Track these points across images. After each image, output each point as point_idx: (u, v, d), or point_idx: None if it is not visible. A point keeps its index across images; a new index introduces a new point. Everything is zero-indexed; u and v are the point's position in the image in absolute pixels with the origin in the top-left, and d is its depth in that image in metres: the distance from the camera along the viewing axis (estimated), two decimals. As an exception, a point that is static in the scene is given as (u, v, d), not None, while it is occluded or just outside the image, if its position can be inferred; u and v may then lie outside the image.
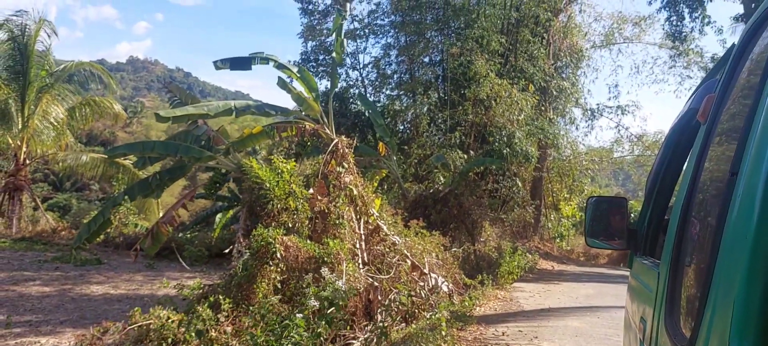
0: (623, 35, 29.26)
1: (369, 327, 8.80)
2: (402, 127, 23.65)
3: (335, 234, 8.76)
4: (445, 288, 10.09)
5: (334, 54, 12.44)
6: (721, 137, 1.83)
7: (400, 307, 9.16)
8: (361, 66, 25.89)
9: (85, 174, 24.66)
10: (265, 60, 10.96)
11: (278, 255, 7.73)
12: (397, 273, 9.39)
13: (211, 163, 11.22)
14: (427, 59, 23.50)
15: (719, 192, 1.54)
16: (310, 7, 25.40)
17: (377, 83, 25.12)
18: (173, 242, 18.00)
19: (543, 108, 23.37)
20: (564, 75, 25.05)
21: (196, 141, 11.20)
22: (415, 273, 10.04)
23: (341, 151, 9.59)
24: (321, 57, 24.64)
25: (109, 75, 25.10)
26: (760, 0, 1.65)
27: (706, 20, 20.61)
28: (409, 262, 9.93)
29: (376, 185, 11.43)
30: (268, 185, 8.50)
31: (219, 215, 21.15)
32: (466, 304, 9.39)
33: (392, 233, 10.15)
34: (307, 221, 8.81)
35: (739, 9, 20.19)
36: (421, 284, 9.93)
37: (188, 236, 20.25)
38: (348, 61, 25.31)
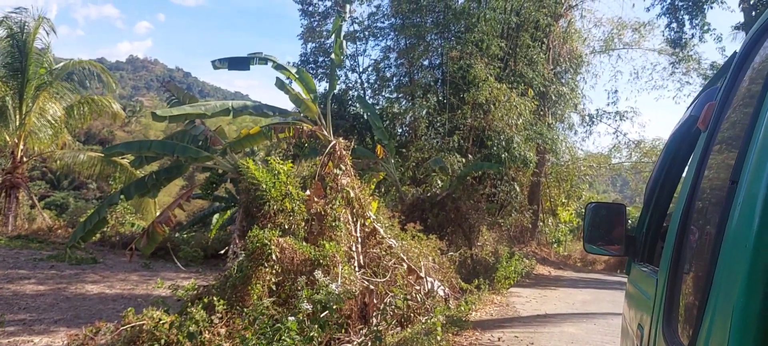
0: (623, 41, 29.32)
1: (364, 331, 8.76)
2: (400, 130, 23.62)
3: (331, 236, 8.72)
4: (441, 292, 10.05)
5: (333, 56, 12.40)
6: (722, 145, 1.82)
7: (395, 311, 9.12)
8: (361, 69, 25.91)
9: (82, 173, 24.55)
10: (264, 60, 10.92)
11: (273, 257, 7.68)
12: (393, 277, 9.35)
13: (208, 164, 11.17)
14: (426, 62, 23.49)
15: (719, 200, 1.53)
16: (310, 8, 25.41)
17: (376, 86, 25.12)
18: (170, 242, 17.99)
19: (542, 113, 23.36)
20: (563, 80, 25.03)
21: (193, 141, 11.15)
22: (411, 277, 10.00)
23: (339, 153, 9.55)
24: (320, 59, 24.63)
25: (108, 73, 25.01)
26: (762, 9, 1.71)
27: (706, 28, 20.60)
28: (405, 265, 9.90)
29: (373, 187, 11.38)
30: (264, 186, 8.46)
31: (216, 216, 21.11)
32: (462, 309, 9.32)
33: (389, 236, 10.11)
34: (303, 223, 8.77)
35: (740, 18, 20.21)
36: (418, 287, 9.89)
37: (185, 236, 20.21)
38: (347, 63, 25.35)
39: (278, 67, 10.96)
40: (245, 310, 6.73)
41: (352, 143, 10.07)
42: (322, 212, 8.93)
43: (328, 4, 25.03)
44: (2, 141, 21.81)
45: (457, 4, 21.95)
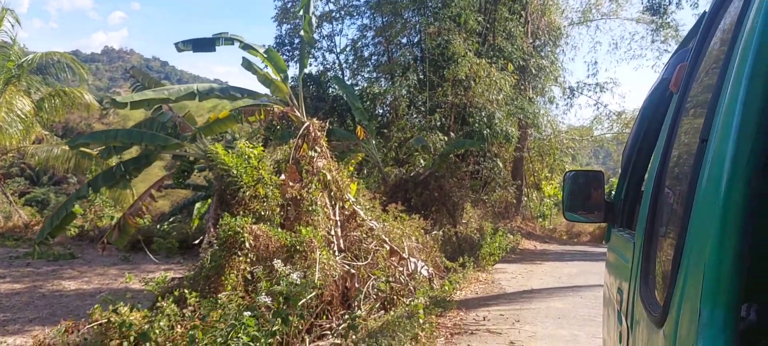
0: (601, 11, 29.16)
1: (346, 316, 8.54)
2: (381, 111, 23.27)
3: (308, 221, 8.44)
4: (424, 272, 9.84)
5: (302, 32, 11.98)
6: (693, 106, 1.84)
7: (378, 294, 8.90)
8: (338, 49, 25.47)
9: (58, 167, 23.94)
10: (230, 41, 10.52)
11: (247, 245, 7.40)
12: (375, 259, 9.11)
13: (179, 152, 10.80)
14: (404, 40, 23.12)
15: (691, 161, 1.53)
16: (284, -11, 24.87)
17: (355, 66, 24.71)
18: (150, 233, 17.62)
19: (522, 87, 23.18)
20: (543, 53, 24.83)
21: (162, 128, 10.77)
22: (393, 258, 9.77)
23: (313, 134, 9.23)
24: (296, 41, 24.11)
25: (79, 64, 24.30)
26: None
27: (683, -8, 20.43)
28: (387, 247, 9.66)
29: (352, 169, 11.08)
30: (235, 172, 8.14)
31: (198, 204, 20.72)
32: (446, 288, 9.09)
33: (369, 218, 9.85)
34: (278, 209, 8.48)
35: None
36: (400, 269, 9.67)
37: (166, 226, 19.83)
38: (324, 44, 24.93)
39: (245, 47, 10.54)
40: (205, 302, 6.39)
41: (327, 125, 9.75)
42: (298, 197, 8.64)
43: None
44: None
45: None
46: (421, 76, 21.96)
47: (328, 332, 8.15)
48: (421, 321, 6.63)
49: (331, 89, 22.94)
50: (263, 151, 8.70)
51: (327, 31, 25.05)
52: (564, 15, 27.63)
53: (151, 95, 9.51)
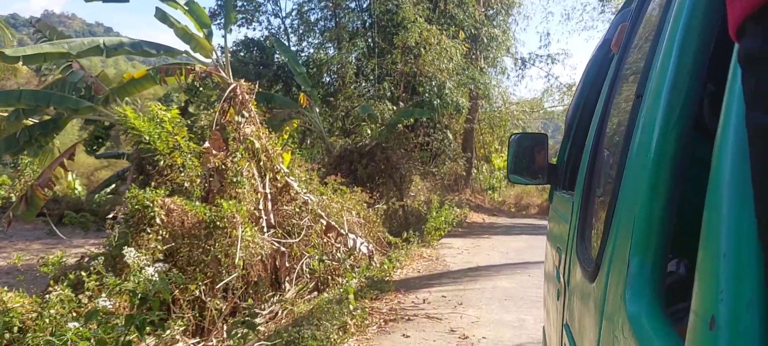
0: (554, -19, 28.71)
1: (276, 298, 7.82)
2: (329, 79, 22.35)
3: (233, 194, 7.61)
4: (364, 249, 9.15)
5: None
6: (631, 65, 1.83)
7: (312, 273, 8.19)
8: (284, 13, 24.33)
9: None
10: None
11: (158, 220, 6.54)
12: (309, 235, 8.38)
13: (92, 116, 9.71)
14: (353, 4, 22.14)
15: (627, 118, 1.52)
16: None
17: (301, 32, 23.62)
18: (80, 206, 16.40)
19: (474, 57, 22.63)
20: (495, 22, 24.25)
21: (74, 89, 9.66)
22: (331, 234, 9.04)
23: (241, 97, 8.33)
24: (239, 3, 22.87)
25: (2, 23, 22.46)
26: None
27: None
28: (323, 222, 8.92)
29: (286, 137, 10.27)
30: (147, 138, 7.22)
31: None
32: (386, 267, 8.36)
33: (304, 191, 9.07)
34: (198, 180, 7.61)
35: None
36: (338, 245, 8.96)
37: (98, 198, 18.58)
38: (269, 7, 23.74)
39: (163, -5, 9.42)
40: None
41: (257, 87, 8.86)
42: (223, 167, 7.78)
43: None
44: None
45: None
46: (370, 43, 21.17)
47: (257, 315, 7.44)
48: (352, 307, 5.92)
49: (276, 56, 21.86)
50: (179, 114, 7.74)
51: (272, -7, 23.87)
52: (517, -16, 27.06)
53: (47, 49, 8.36)
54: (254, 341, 5.53)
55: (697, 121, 1.20)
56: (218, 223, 6.87)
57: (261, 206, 8.12)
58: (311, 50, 22.92)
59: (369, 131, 17.79)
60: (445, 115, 21.03)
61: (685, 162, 1.14)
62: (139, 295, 4.63)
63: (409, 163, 17.02)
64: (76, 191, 20.58)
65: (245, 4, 22.91)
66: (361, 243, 9.16)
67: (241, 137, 8.10)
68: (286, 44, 21.26)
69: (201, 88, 9.07)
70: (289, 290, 7.82)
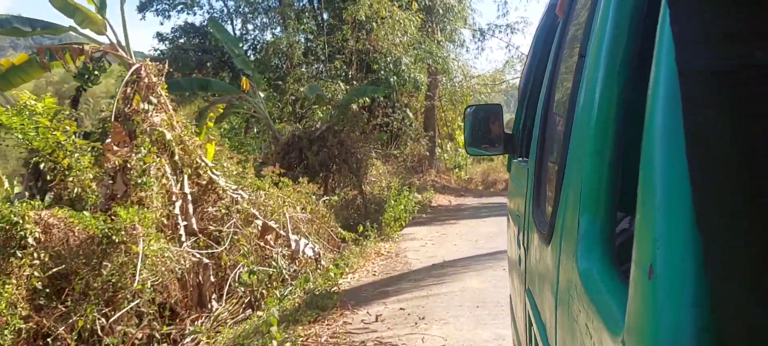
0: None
1: (201, 321, 6.46)
2: (277, 62, 20.83)
3: (138, 199, 6.17)
4: (309, 252, 7.80)
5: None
6: (575, 28, 1.81)
7: (246, 287, 6.82)
8: (226, -6, 22.67)
9: None
10: None
11: (31, 241, 5.09)
12: (239, 241, 6.99)
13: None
14: (297, -21, 20.61)
15: (572, 80, 1.52)
16: None
17: (245, 13, 21.97)
18: None
19: (429, 29, 21.35)
20: (450, -8, 22.96)
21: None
22: (269, 237, 7.68)
23: (147, 81, 6.85)
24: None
25: None
26: None
27: None
28: (259, 223, 7.55)
29: (210, 125, 8.83)
30: (20, 136, 5.73)
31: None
32: (332, 274, 6.92)
33: (234, 187, 7.67)
34: (92, 185, 6.14)
35: None
36: (278, 250, 7.59)
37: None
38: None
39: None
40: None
41: (166, 68, 7.38)
42: (125, 166, 6.33)
43: None
44: None
45: None
46: (319, 20, 19.73)
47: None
48: (274, 342, 4.55)
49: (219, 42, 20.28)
50: (56, 103, 6.22)
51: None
52: (472, -50, 25.85)
53: None
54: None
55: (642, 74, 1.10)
56: (114, 238, 5.44)
57: (178, 211, 6.68)
58: (256, 33, 21.43)
59: (320, 114, 16.41)
60: (404, 93, 19.87)
61: (630, 119, 1.10)
62: None
63: (366, 146, 15.72)
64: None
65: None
66: (306, 245, 7.81)
67: (148, 129, 6.63)
68: (227, 27, 19.67)
69: (95, 72, 7.53)
70: (216, 310, 6.46)
